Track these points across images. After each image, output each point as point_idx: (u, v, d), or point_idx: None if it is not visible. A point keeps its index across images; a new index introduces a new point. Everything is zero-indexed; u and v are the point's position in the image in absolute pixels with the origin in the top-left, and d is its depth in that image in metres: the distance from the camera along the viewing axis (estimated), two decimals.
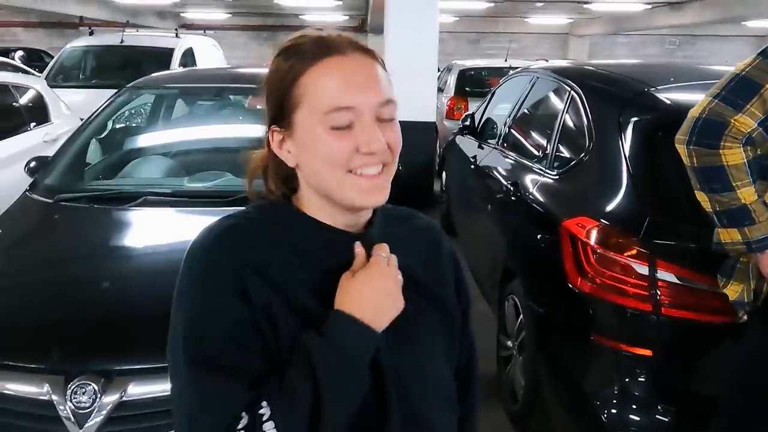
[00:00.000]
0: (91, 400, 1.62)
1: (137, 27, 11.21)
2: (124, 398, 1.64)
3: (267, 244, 0.78)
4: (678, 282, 1.75)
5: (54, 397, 1.62)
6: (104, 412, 1.62)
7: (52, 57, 10.36)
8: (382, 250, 0.77)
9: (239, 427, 0.68)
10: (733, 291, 1.48)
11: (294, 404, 0.69)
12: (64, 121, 4.96)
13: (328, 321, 0.73)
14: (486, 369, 2.84)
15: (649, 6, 13.71)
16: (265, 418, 0.68)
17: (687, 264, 1.74)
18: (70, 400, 1.62)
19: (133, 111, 3.48)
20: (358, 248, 0.77)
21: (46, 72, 7.35)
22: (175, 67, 7.00)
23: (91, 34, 8.22)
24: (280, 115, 0.77)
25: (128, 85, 3.13)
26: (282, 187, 0.83)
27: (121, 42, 7.49)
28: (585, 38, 18.53)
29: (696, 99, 2.25)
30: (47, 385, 1.63)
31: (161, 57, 7.12)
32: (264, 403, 0.69)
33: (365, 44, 0.79)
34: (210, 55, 8.47)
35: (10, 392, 1.66)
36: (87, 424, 1.62)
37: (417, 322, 0.81)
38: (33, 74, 7.09)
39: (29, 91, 4.82)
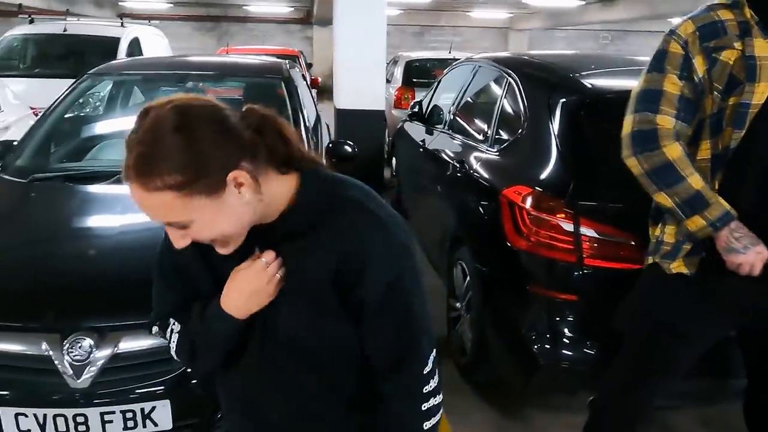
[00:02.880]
0: (86, 353, 1.77)
1: (77, 16, 10.90)
2: (116, 351, 1.80)
3: None
4: (597, 236, 2.06)
5: (51, 353, 1.77)
6: (99, 364, 1.78)
7: None
8: (267, 256, 0.97)
9: (167, 325, 1.09)
10: (677, 266, 1.62)
11: (183, 333, 1.07)
12: (12, 109, 4.92)
13: (210, 304, 1.02)
14: (438, 332, 3.13)
15: (583, 2, 14.39)
16: (173, 330, 1.09)
17: (605, 221, 2.05)
18: (67, 354, 1.77)
19: (97, 97, 3.55)
20: (257, 254, 0.98)
21: None
22: (122, 57, 6.93)
23: (31, 22, 7.98)
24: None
25: (91, 72, 3.22)
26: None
27: (65, 30, 7.34)
28: (524, 32, 19.17)
29: (611, 83, 2.61)
30: (45, 342, 1.78)
31: (107, 46, 7.01)
32: (173, 321, 1.08)
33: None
34: (156, 45, 8.39)
35: (10, 350, 1.80)
36: (83, 376, 1.77)
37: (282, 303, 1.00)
38: None
39: None
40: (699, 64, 1.54)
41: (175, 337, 1.08)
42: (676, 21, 1.64)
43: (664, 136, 1.52)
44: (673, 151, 1.51)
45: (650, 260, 1.71)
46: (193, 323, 1.06)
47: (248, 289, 0.98)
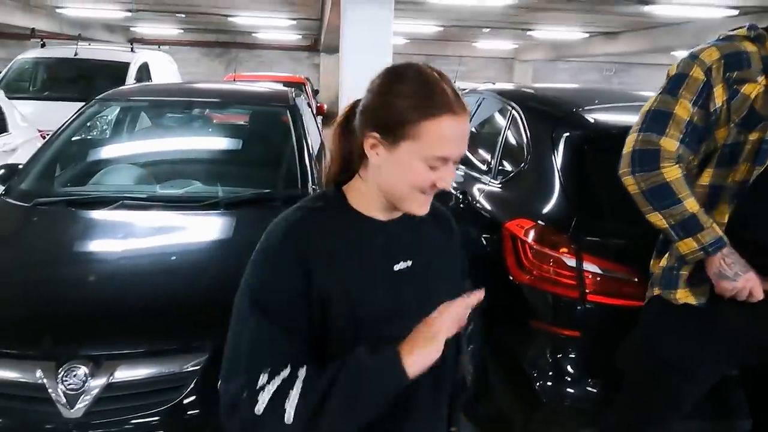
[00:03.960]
0: (81, 382, 1.75)
1: (88, 40, 11.09)
2: (111, 381, 1.77)
3: (326, 231, 0.96)
4: (600, 272, 2.04)
5: (46, 381, 1.74)
6: (93, 393, 1.75)
7: None
8: (477, 294, 0.97)
9: (281, 374, 0.87)
10: (683, 295, 1.62)
11: (322, 388, 0.86)
12: (21, 131, 4.96)
13: (385, 353, 0.88)
14: None
15: (587, 35, 14.59)
16: (298, 382, 0.86)
17: (608, 257, 2.03)
18: (62, 383, 1.74)
19: (104, 121, 3.59)
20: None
21: None
22: (131, 82, 7.04)
23: (42, 46, 8.12)
24: (387, 131, 0.93)
25: (99, 97, 3.26)
26: (338, 177, 1.03)
27: (75, 55, 7.47)
28: (529, 63, 19.41)
29: (614, 118, 2.62)
30: (39, 370, 1.75)
31: (116, 71, 7.15)
32: (303, 371, 0.87)
33: (465, 102, 0.96)
34: (165, 70, 8.52)
35: (3, 378, 1.77)
36: (77, 406, 1.74)
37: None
38: None
39: None
40: (719, 94, 1.52)
41: (295, 391, 0.85)
42: (678, 54, 1.63)
43: (665, 158, 1.51)
44: (672, 173, 1.50)
45: (655, 291, 1.68)
46: (341, 370, 0.87)
47: (442, 337, 0.91)
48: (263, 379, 0.87)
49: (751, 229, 1.52)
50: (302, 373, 0.87)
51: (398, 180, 0.95)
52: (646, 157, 1.52)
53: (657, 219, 1.53)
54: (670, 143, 1.51)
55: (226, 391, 0.90)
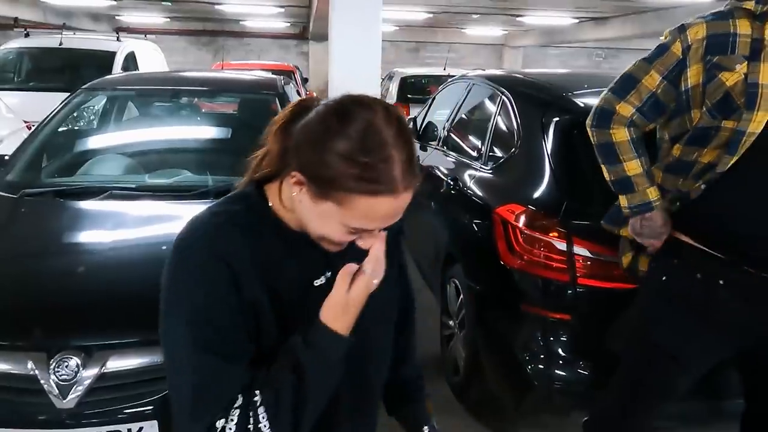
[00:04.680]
0: (73, 373, 1.74)
1: (73, 29, 10.93)
2: (104, 371, 1.77)
3: (249, 239, 0.86)
4: (591, 256, 2.06)
5: (37, 372, 1.74)
6: (86, 383, 1.74)
7: None
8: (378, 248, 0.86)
9: (235, 406, 0.80)
10: (625, 260, 1.83)
11: (282, 395, 0.81)
12: (6, 122, 4.90)
13: (312, 329, 0.84)
14: (431, 350, 3.11)
15: (576, 20, 14.55)
16: (258, 404, 0.80)
17: (598, 240, 2.04)
18: (54, 374, 1.74)
19: (91, 111, 3.55)
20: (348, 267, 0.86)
21: None
22: (117, 71, 6.95)
23: (26, 35, 7.99)
24: (314, 182, 0.80)
25: (85, 86, 3.22)
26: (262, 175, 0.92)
27: (60, 44, 7.36)
28: (519, 49, 19.35)
29: None
30: (30, 361, 1.74)
31: (102, 60, 7.03)
32: (257, 392, 0.81)
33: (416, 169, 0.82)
34: (152, 60, 8.41)
35: None
36: (69, 396, 1.74)
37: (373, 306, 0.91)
38: None
39: None
40: (693, 74, 1.54)
41: (262, 410, 0.81)
42: None
43: (616, 121, 1.63)
44: (619, 135, 1.63)
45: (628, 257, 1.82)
46: (290, 365, 0.82)
47: (358, 302, 0.86)
48: (220, 423, 0.80)
49: (728, 220, 1.54)
50: (257, 396, 0.81)
51: (314, 226, 0.85)
52: (602, 115, 1.66)
53: (604, 171, 1.70)
54: (626, 108, 1.63)
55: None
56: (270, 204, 0.91)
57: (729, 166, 1.51)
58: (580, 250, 2.06)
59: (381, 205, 0.79)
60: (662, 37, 1.64)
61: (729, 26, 1.51)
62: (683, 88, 1.55)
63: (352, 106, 0.80)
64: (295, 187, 0.83)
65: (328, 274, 0.91)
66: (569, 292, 2.07)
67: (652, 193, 1.64)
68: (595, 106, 1.70)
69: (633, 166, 1.63)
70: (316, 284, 0.91)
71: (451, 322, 2.86)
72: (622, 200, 1.69)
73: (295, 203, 0.86)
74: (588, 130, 1.71)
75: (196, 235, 0.87)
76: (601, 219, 1.90)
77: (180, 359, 0.83)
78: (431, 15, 14.07)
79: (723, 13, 1.54)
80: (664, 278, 1.67)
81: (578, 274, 2.06)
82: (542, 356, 2.12)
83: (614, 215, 1.80)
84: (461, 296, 2.69)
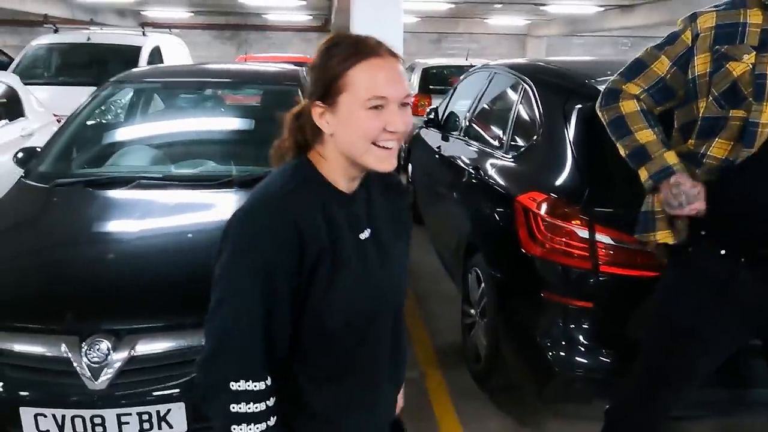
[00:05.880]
0: (103, 356, 1.81)
1: (99, 25, 11.14)
2: (133, 354, 1.83)
3: (312, 199, 1.00)
4: (613, 243, 2.04)
5: (70, 355, 1.81)
6: (116, 366, 1.81)
7: (5, 55, 10.21)
8: None
9: (256, 389, 0.96)
10: (663, 236, 1.65)
11: None
12: (37, 116, 5.03)
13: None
14: (453, 338, 3.13)
15: (602, 8, 14.30)
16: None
17: (620, 227, 2.01)
18: (86, 356, 1.81)
19: (118, 105, 3.63)
20: None
21: (11, 69, 7.31)
22: (143, 65, 7.07)
23: (55, 31, 8.17)
24: (326, 95, 0.98)
25: (112, 80, 3.29)
26: (296, 151, 1.06)
27: (88, 40, 7.51)
28: (542, 39, 19.08)
29: None
30: (64, 344, 1.82)
31: (129, 55, 7.17)
32: (273, 417, 0.98)
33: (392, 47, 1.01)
34: (177, 54, 8.53)
35: (30, 352, 1.85)
36: (101, 378, 1.80)
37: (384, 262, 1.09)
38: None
39: (2, 87, 4.88)
40: (700, 63, 1.54)
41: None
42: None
43: (624, 96, 1.65)
44: (628, 106, 1.63)
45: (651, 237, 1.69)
46: None
47: None
48: (239, 385, 0.95)
49: (745, 214, 1.51)
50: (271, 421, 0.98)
51: (351, 137, 0.97)
52: (611, 95, 1.68)
53: (620, 149, 1.67)
54: (633, 87, 1.65)
55: (207, 376, 0.98)
56: (318, 168, 1.04)
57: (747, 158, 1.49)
58: (602, 237, 2.05)
59: (372, 66, 0.96)
60: (677, 26, 1.64)
61: (739, 16, 1.51)
62: (690, 76, 1.56)
63: (336, 37, 1.01)
64: (322, 121, 0.99)
65: (368, 231, 1.06)
66: (591, 279, 2.06)
67: (670, 157, 1.57)
68: (603, 89, 1.71)
69: (645, 135, 1.60)
70: (361, 237, 1.05)
71: (472, 311, 2.87)
72: (642, 173, 1.62)
73: (334, 140, 0.99)
74: (598, 112, 1.71)
75: (269, 198, 1.00)
76: (622, 205, 1.88)
77: (241, 294, 0.96)
78: (453, 5, 13.96)
79: (736, 3, 1.54)
80: (690, 249, 1.63)
81: (600, 262, 2.05)
82: (563, 344, 2.11)
83: (642, 221, 1.70)
84: (482, 285, 2.69)
